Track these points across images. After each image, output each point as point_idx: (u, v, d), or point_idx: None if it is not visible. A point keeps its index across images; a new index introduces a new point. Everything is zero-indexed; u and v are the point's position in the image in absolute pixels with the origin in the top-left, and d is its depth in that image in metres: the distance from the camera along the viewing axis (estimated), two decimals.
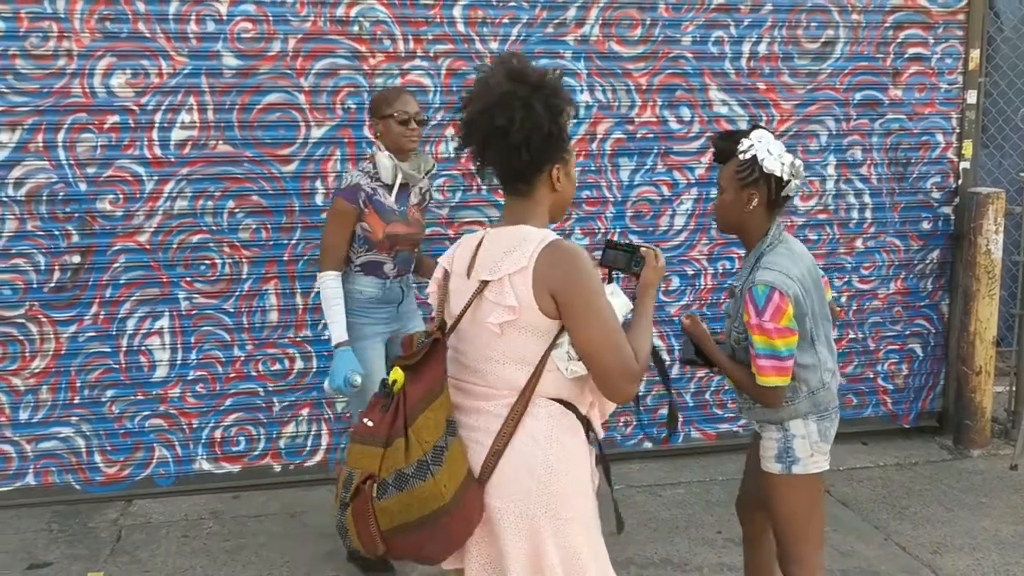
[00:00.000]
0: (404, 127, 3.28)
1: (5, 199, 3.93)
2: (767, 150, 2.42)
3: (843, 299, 4.78)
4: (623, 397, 1.93)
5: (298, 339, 4.26)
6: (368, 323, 3.38)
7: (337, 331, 3.24)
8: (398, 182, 3.31)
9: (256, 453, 4.31)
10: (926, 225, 4.81)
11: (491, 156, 1.96)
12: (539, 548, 1.90)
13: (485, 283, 1.93)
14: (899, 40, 4.62)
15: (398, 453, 1.83)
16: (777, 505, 2.56)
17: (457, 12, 4.17)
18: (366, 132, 4.15)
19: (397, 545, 1.86)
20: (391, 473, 1.83)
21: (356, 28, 4.09)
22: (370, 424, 1.88)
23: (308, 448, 4.35)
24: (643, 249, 2.17)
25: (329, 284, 3.28)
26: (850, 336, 4.83)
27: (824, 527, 2.70)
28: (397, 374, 1.90)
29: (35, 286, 4.01)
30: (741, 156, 2.48)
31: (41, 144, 3.92)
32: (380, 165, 3.28)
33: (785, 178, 2.46)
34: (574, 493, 1.95)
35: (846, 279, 4.77)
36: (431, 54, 4.18)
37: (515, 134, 1.88)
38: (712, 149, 2.66)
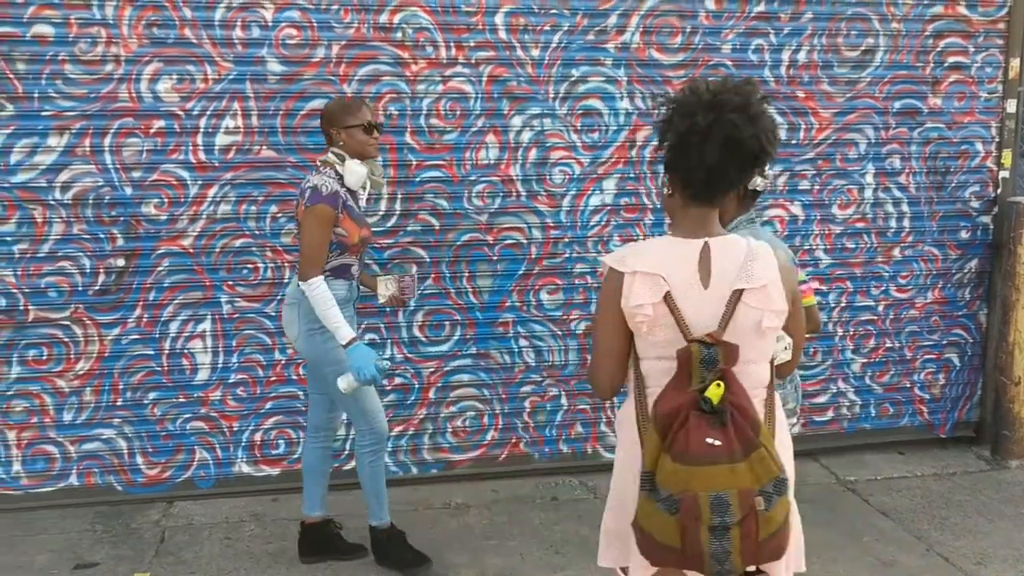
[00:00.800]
0: (368, 136, 3.34)
1: (52, 202, 3.97)
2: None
3: (880, 308, 4.77)
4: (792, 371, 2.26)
5: None
6: None
7: (345, 330, 3.25)
8: (368, 189, 3.42)
9: (295, 456, 4.33)
10: (964, 234, 4.80)
11: (716, 163, 1.93)
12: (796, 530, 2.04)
13: (740, 291, 1.97)
14: (939, 49, 4.61)
15: (766, 461, 1.86)
16: None
17: (499, 19, 4.19)
18: (408, 139, 4.18)
19: (765, 550, 1.87)
20: (769, 482, 1.85)
21: (399, 35, 4.12)
22: (717, 443, 1.83)
23: (346, 452, 4.36)
24: None
25: (322, 288, 3.24)
26: (887, 345, 4.81)
27: None
28: (717, 391, 1.87)
29: (80, 289, 4.05)
30: None
31: (88, 148, 3.97)
32: (351, 172, 3.31)
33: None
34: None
35: (883, 288, 4.76)
36: (472, 61, 4.20)
37: (750, 143, 1.92)
38: None
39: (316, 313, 3.26)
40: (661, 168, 2.05)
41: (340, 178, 3.32)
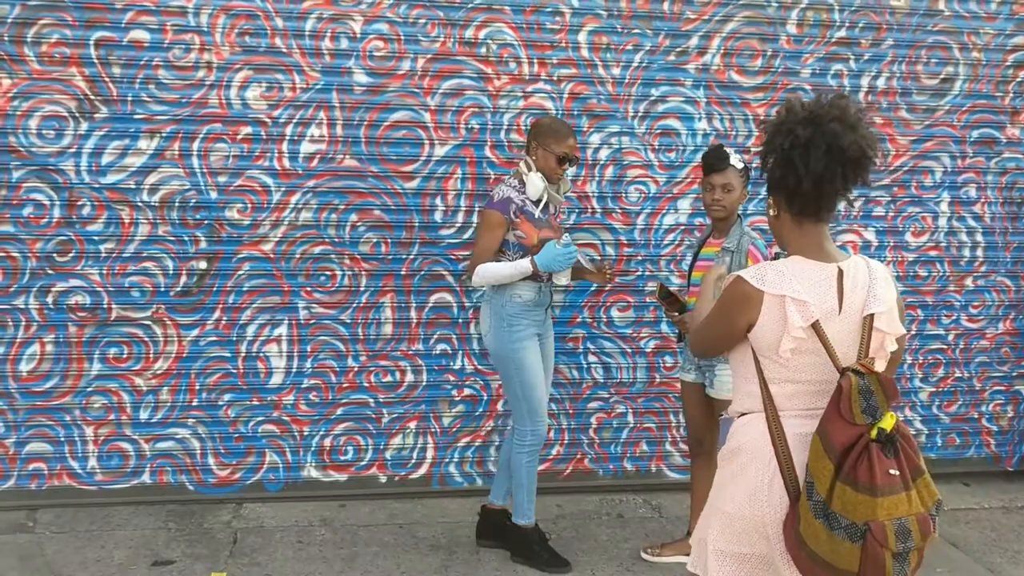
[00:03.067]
0: (560, 165, 3.55)
1: (140, 204, 4.05)
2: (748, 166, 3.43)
3: (950, 337, 4.74)
4: None
5: (410, 352, 4.32)
6: (525, 324, 3.56)
7: (522, 264, 3.46)
8: (544, 200, 3.53)
9: (363, 463, 4.37)
10: None
11: (843, 187, 2.01)
12: None
13: (871, 316, 2.01)
14: (1019, 79, 4.59)
15: (930, 486, 1.96)
16: None
17: (582, 37, 4.23)
18: (487, 152, 4.23)
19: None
20: (933, 505, 1.95)
21: (483, 50, 4.17)
22: (896, 473, 1.89)
23: (413, 460, 4.40)
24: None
25: (482, 270, 3.49)
26: (956, 375, 4.78)
27: None
28: (891, 420, 1.91)
29: (162, 290, 4.12)
30: (738, 165, 3.49)
31: (177, 152, 4.04)
32: (531, 184, 3.50)
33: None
34: None
35: (955, 317, 4.73)
36: (554, 78, 4.24)
37: (853, 149, 1.97)
38: (714, 159, 3.50)
39: (500, 284, 3.52)
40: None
41: (523, 186, 3.52)
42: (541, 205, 3.55)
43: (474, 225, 4.27)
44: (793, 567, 1.99)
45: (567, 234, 3.76)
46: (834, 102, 2.01)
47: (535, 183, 3.49)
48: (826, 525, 1.89)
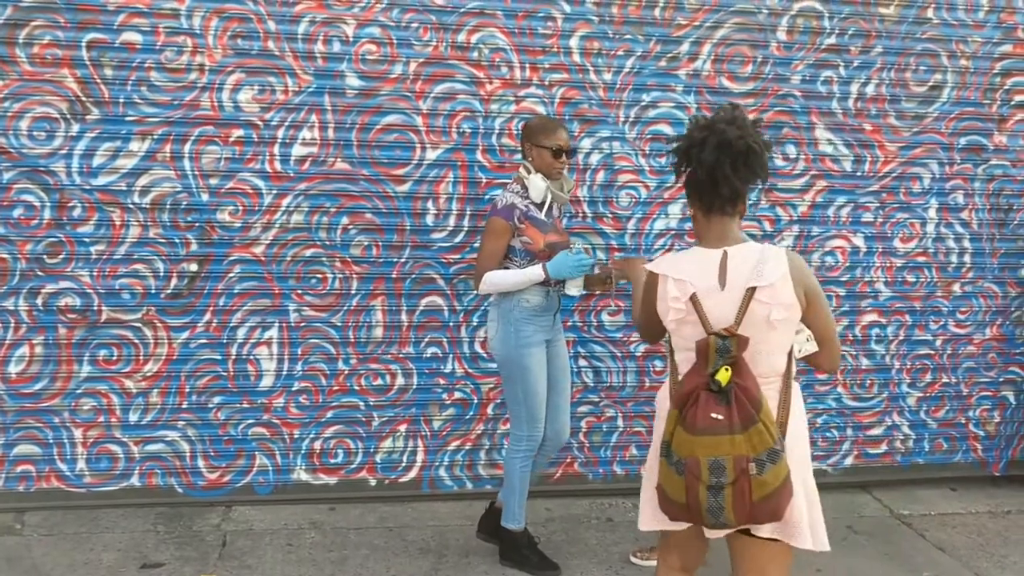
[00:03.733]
0: (555, 159, 3.51)
1: (131, 206, 4.04)
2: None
3: (938, 343, 4.78)
4: (834, 370, 2.55)
5: (401, 356, 4.33)
6: (533, 330, 3.56)
7: (533, 271, 3.47)
8: (548, 201, 3.55)
9: (353, 466, 4.37)
10: None
11: (733, 176, 2.31)
12: (803, 503, 2.32)
13: (752, 289, 2.28)
14: (1006, 87, 4.63)
15: (763, 436, 2.17)
16: None
17: (574, 43, 4.25)
18: (479, 156, 4.24)
19: (760, 510, 2.18)
20: (763, 452, 2.16)
21: (476, 54, 4.18)
22: (719, 417, 2.17)
23: (404, 464, 4.40)
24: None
25: (490, 278, 3.50)
26: (943, 380, 4.81)
27: None
28: (725, 375, 2.20)
29: (153, 292, 4.12)
30: None
31: (168, 154, 4.04)
32: (533, 186, 3.51)
33: None
34: (809, 451, 2.42)
35: (942, 323, 4.76)
36: (546, 83, 4.26)
37: (739, 143, 2.30)
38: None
39: (509, 292, 3.52)
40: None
41: (526, 191, 3.54)
42: (545, 208, 3.57)
43: (465, 229, 4.28)
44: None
45: (578, 242, 3.80)
46: (726, 108, 2.39)
47: (537, 184, 3.50)
48: (668, 463, 2.24)
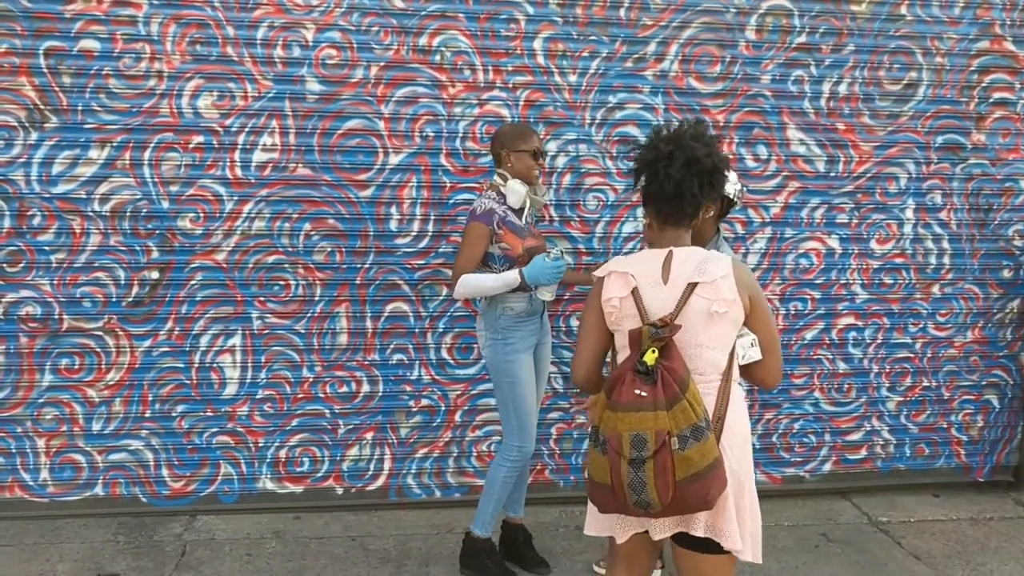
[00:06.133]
0: (534, 161, 3.51)
1: (90, 214, 4.02)
2: (728, 178, 2.99)
3: (918, 346, 4.68)
4: (776, 385, 2.49)
5: (366, 363, 4.28)
6: (520, 336, 3.53)
7: (509, 276, 3.41)
8: (527, 207, 3.55)
9: (319, 475, 4.32)
10: (1007, 273, 4.69)
11: (699, 193, 2.39)
12: (737, 500, 2.33)
13: (694, 285, 2.33)
14: (984, 84, 4.53)
15: (687, 412, 2.18)
16: None
17: (538, 44, 4.19)
18: (443, 160, 4.19)
19: (688, 493, 2.18)
20: (687, 428, 2.17)
21: (437, 58, 4.14)
22: (643, 394, 2.19)
23: (371, 472, 4.35)
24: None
25: (465, 282, 3.44)
26: (924, 384, 4.71)
27: None
28: (652, 355, 2.22)
29: (114, 300, 4.09)
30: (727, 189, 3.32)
31: (128, 161, 4.02)
32: (512, 191, 3.50)
33: (732, 198, 3.33)
34: (751, 458, 2.41)
35: (922, 325, 4.66)
36: (510, 85, 4.20)
37: (707, 161, 2.37)
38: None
39: (485, 296, 3.48)
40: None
41: (503, 197, 3.52)
42: (524, 214, 3.56)
43: (429, 233, 4.23)
44: None
45: (557, 247, 3.77)
46: (694, 125, 2.44)
47: (516, 190, 3.48)
48: (594, 445, 2.29)
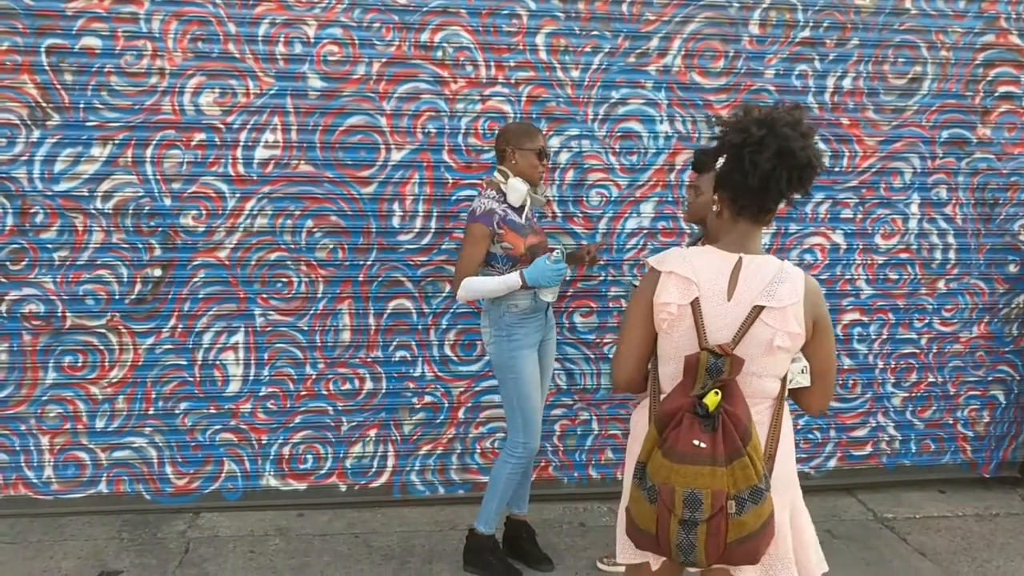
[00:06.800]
0: (538, 161, 3.50)
1: (93, 211, 4.02)
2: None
3: (923, 341, 4.66)
4: (820, 413, 2.31)
5: (369, 360, 4.27)
6: (525, 332, 3.51)
7: (511, 279, 3.39)
8: (528, 205, 3.52)
9: (323, 472, 4.32)
10: (1013, 268, 4.66)
11: (787, 189, 2.07)
12: (794, 521, 2.19)
13: (760, 308, 2.08)
14: (989, 78, 4.50)
15: (747, 470, 1.98)
16: None
17: (540, 40, 4.18)
18: (445, 156, 4.18)
19: (737, 553, 2.01)
20: (746, 489, 1.97)
21: (440, 54, 4.12)
22: (703, 445, 1.97)
23: (374, 469, 4.35)
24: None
25: (468, 285, 3.41)
26: (929, 380, 4.69)
27: None
28: (714, 398, 1.99)
29: (117, 297, 4.09)
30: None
31: (130, 159, 4.01)
32: (512, 189, 3.47)
33: None
34: (795, 473, 2.24)
35: (927, 320, 4.64)
36: (512, 81, 4.19)
37: (802, 154, 2.04)
38: (694, 159, 3.30)
39: (489, 297, 3.45)
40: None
41: (503, 195, 3.49)
42: (524, 212, 3.53)
43: (432, 230, 4.22)
44: None
45: (559, 248, 3.76)
46: (790, 110, 2.09)
47: (518, 188, 3.45)
48: (640, 487, 2.06)
